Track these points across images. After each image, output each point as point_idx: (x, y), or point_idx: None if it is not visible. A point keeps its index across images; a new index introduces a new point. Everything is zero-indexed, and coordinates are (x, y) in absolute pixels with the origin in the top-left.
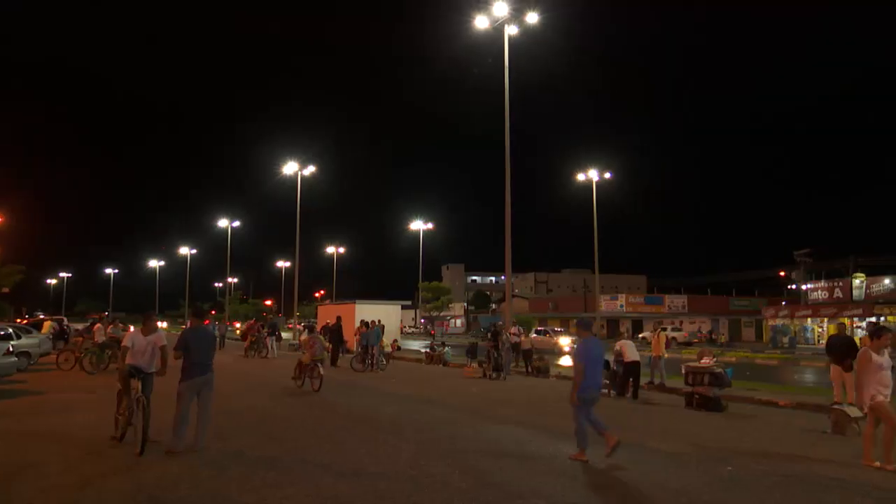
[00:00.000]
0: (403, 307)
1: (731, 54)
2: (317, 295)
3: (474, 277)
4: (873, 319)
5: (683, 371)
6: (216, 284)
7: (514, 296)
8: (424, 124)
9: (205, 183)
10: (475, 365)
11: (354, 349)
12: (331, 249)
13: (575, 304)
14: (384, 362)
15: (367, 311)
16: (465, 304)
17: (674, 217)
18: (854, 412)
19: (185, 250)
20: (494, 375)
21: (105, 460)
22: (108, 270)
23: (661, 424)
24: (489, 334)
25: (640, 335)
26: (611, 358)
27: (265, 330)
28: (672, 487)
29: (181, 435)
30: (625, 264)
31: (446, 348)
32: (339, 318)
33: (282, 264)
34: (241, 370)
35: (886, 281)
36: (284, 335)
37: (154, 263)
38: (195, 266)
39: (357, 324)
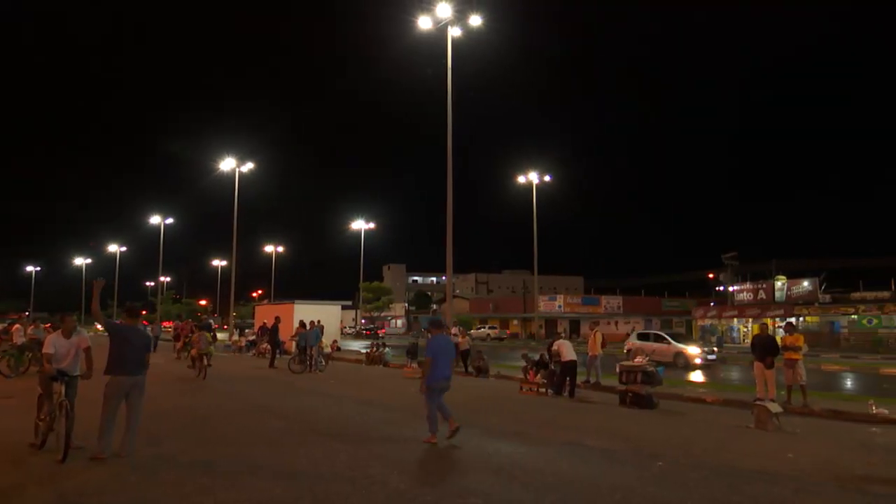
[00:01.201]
0: (344, 307)
1: (669, 57)
2: (254, 295)
3: (416, 278)
4: (792, 320)
5: (618, 370)
6: (147, 283)
7: (454, 296)
8: (368, 124)
9: (137, 179)
10: (415, 365)
11: (292, 350)
12: (270, 248)
13: (515, 305)
14: (323, 363)
15: (306, 311)
16: (406, 305)
17: (611, 219)
18: (775, 408)
19: (114, 248)
20: None
21: (24, 469)
22: (30, 268)
23: (597, 422)
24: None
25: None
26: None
27: (199, 330)
28: (606, 483)
29: (107, 440)
30: (563, 266)
31: (386, 349)
32: (277, 319)
33: (218, 263)
34: (174, 372)
35: (805, 283)
36: (220, 336)
37: (80, 261)
38: (126, 265)
39: (296, 324)
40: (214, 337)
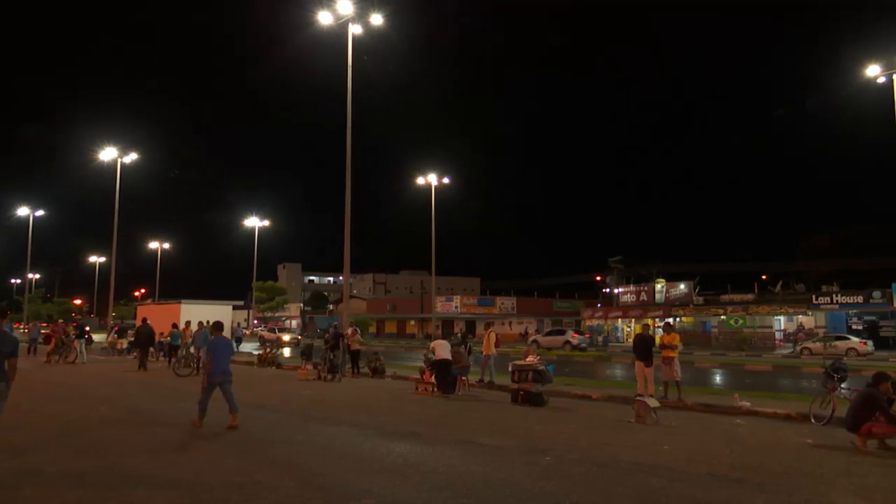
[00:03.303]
0: (235, 307)
1: (566, 63)
2: (137, 294)
3: (312, 277)
4: (670, 320)
5: (510, 369)
6: (13, 281)
7: (352, 296)
8: (264, 120)
9: (3, 166)
10: (310, 367)
11: (181, 352)
12: (154, 245)
13: (412, 306)
14: None
15: (194, 311)
16: (302, 305)
17: (508, 222)
18: (653, 403)
19: None
20: (329, 377)
21: None
22: None
23: (489, 420)
24: (327, 336)
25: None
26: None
27: (73, 332)
28: (497, 479)
29: None
30: (460, 267)
31: (279, 350)
32: (144, 320)
33: (96, 260)
34: (44, 378)
35: (682, 286)
36: (97, 338)
37: None
38: None
39: (181, 325)
40: (90, 339)
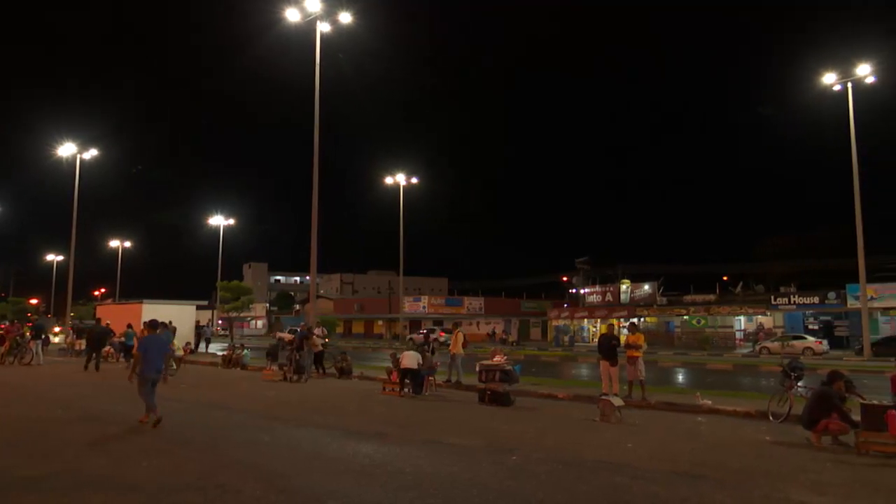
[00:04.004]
0: (199, 307)
1: (535, 62)
2: (97, 293)
3: (278, 277)
4: (635, 320)
5: (477, 369)
6: None
7: (319, 296)
8: (231, 117)
9: None
10: (275, 368)
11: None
12: (116, 243)
13: (380, 306)
14: (174, 366)
15: (156, 311)
16: (268, 305)
17: (476, 222)
18: (618, 402)
19: None
20: (295, 378)
21: None
22: None
23: (456, 420)
24: (296, 336)
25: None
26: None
27: (29, 332)
28: (464, 479)
29: None
30: (429, 267)
31: (245, 350)
32: (98, 320)
33: (53, 258)
34: None
35: (646, 287)
36: (54, 339)
37: None
38: None
39: (142, 325)
40: (47, 340)
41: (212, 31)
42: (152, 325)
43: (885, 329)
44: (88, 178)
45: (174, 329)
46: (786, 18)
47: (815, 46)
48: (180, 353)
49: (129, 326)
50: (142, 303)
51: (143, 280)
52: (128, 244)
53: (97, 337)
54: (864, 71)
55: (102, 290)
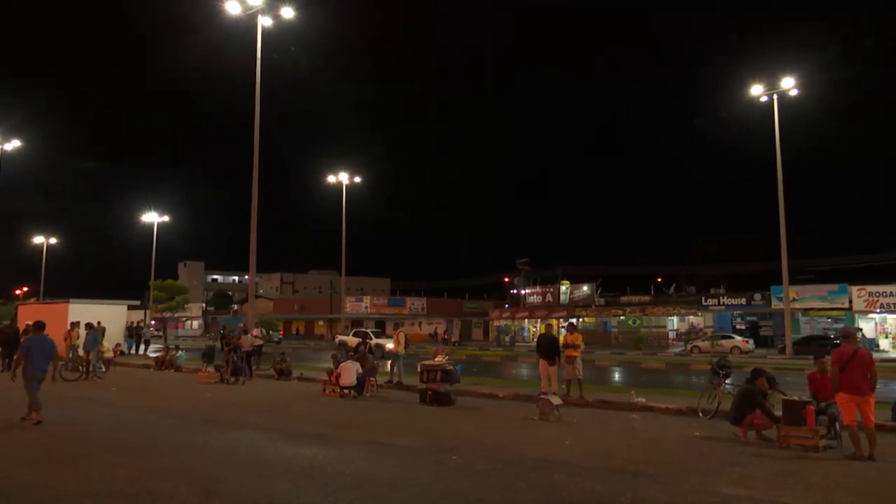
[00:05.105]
0: (131, 307)
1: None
2: (18, 292)
3: (215, 276)
4: (573, 320)
5: (419, 369)
6: None
7: (258, 296)
8: (168, 112)
9: None
10: (211, 369)
11: (65, 356)
12: (40, 239)
13: (321, 306)
14: (102, 369)
15: (84, 311)
16: (204, 305)
17: (419, 223)
18: (556, 400)
19: None
20: (233, 380)
21: None
22: None
23: (398, 420)
24: (226, 337)
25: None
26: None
27: None
28: (404, 479)
29: None
30: (371, 267)
31: (179, 352)
32: (11, 321)
33: None
34: None
35: (585, 288)
36: None
37: None
38: None
39: (68, 326)
40: None
41: (150, 22)
42: (37, 326)
43: (806, 329)
44: (11, 170)
45: (103, 330)
46: (717, 29)
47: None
48: (109, 354)
49: (89, 326)
50: (68, 302)
51: (70, 278)
52: (53, 240)
53: (7, 339)
54: (789, 84)
55: (25, 289)
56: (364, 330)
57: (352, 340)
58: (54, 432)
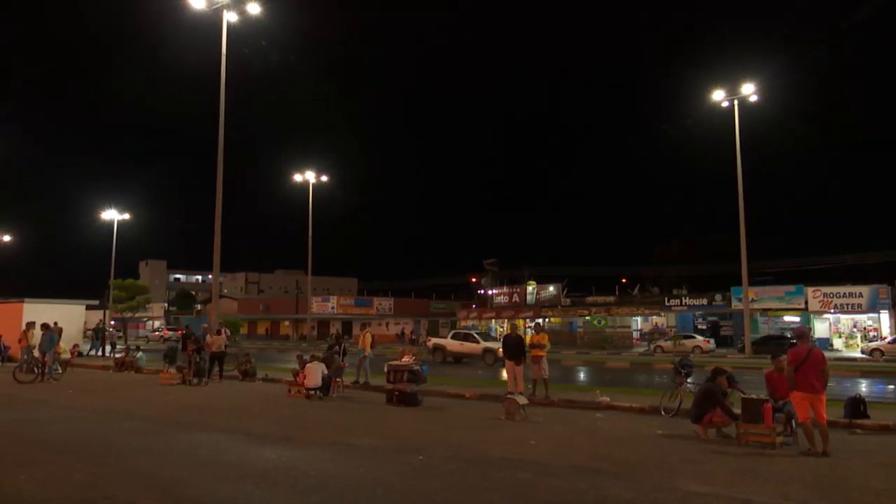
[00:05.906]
0: (89, 307)
1: (444, 67)
2: None
3: (178, 276)
4: (540, 320)
5: (386, 369)
6: None
7: (222, 296)
8: (130, 107)
9: None
10: (173, 370)
11: (20, 356)
12: None
13: (287, 306)
14: (59, 370)
15: (40, 311)
16: (166, 305)
17: (386, 223)
18: (522, 400)
19: None
20: (195, 381)
21: None
22: None
23: (364, 421)
24: (189, 337)
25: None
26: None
27: None
28: (369, 480)
29: None
30: (338, 267)
31: (140, 353)
32: None
33: None
34: None
35: (551, 288)
36: None
37: None
38: None
39: (23, 326)
40: None
41: (115, 17)
42: None
43: (764, 329)
44: None
45: (60, 330)
46: (684, 40)
47: (707, 66)
48: (66, 355)
49: (45, 326)
50: (23, 302)
51: (25, 277)
52: (7, 238)
53: None
54: (749, 90)
55: None
56: (464, 331)
57: (450, 343)
58: (6, 434)
